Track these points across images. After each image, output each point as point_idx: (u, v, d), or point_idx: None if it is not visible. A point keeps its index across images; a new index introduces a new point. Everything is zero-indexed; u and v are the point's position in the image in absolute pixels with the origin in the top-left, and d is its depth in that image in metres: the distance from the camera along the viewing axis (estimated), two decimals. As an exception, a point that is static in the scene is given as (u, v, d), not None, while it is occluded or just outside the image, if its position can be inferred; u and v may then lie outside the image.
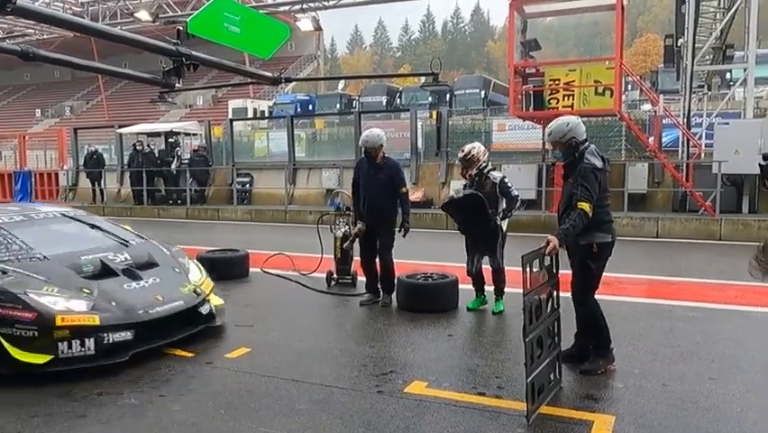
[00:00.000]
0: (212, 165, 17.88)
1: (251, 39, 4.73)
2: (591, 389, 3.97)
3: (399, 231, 6.16)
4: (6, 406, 3.74)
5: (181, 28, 4.22)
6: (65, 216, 5.69)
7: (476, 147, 5.88)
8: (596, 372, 4.21)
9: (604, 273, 4.34)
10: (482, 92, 31.50)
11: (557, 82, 12.01)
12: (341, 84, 43.01)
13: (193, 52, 4.54)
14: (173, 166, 17.58)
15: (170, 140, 18.30)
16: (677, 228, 11.29)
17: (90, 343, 4.16)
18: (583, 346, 4.39)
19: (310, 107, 31.49)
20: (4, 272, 4.35)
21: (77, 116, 43.21)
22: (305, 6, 18.83)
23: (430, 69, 6.31)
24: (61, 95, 47.54)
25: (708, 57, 16.14)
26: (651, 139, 13.65)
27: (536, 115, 12.57)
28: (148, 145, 18.23)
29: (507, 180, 5.80)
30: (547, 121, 12.80)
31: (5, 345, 4.04)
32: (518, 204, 5.92)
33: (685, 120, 12.87)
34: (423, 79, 36.53)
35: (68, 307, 4.22)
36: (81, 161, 20.07)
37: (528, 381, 3.51)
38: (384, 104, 31.21)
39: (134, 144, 18.36)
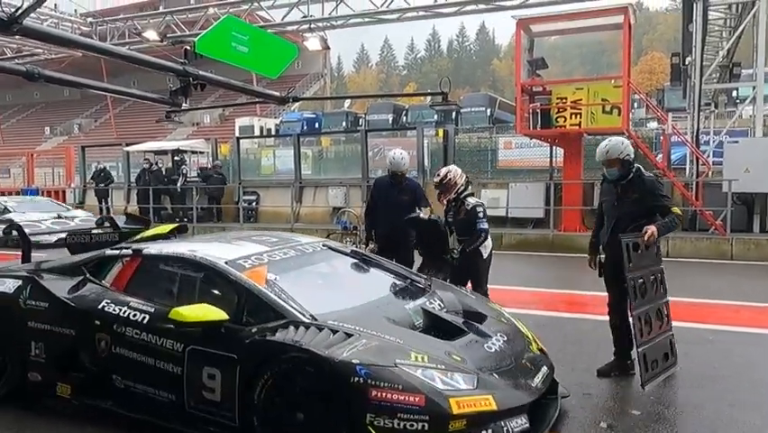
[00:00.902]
0: (227, 183, 17.89)
1: (259, 58, 4.71)
2: (608, 417, 3.86)
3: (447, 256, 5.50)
4: None
5: (189, 47, 4.20)
6: (329, 248, 4.63)
7: (452, 170, 5.56)
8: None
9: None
10: (488, 110, 31.56)
11: (564, 100, 11.99)
12: (347, 102, 43.23)
13: (200, 72, 4.52)
14: (179, 184, 17.60)
15: (176, 158, 18.35)
16: (687, 248, 11.16)
17: None
18: (625, 356, 4.62)
19: (317, 125, 31.58)
20: (349, 334, 3.27)
21: (85, 134, 43.51)
22: (313, 26, 18.95)
23: (439, 88, 6.27)
24: (70, 113, 47.92)
25: (714, 75, 16.12)
26: (659, 157, 13.57)
27: (544, 134, 12.54)
28: (156, 163, 18.27)
29: (480, 209, 5.35)
30: (554, 139, 12.80)
31: None
32: (483, 239, 5.30)
33: (694, 138, 12.78)
34: (429, 98, 36.59)
35: (454, 384, 3.14)
36: (89, 178, 20.14)
37: (639, 351, 4.06)
38: (390, 122, 31.27)
39: (144, 162, 18.43)
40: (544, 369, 3.71)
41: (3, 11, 2.85)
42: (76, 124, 46.21)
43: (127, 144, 20.10)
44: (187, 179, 17.93)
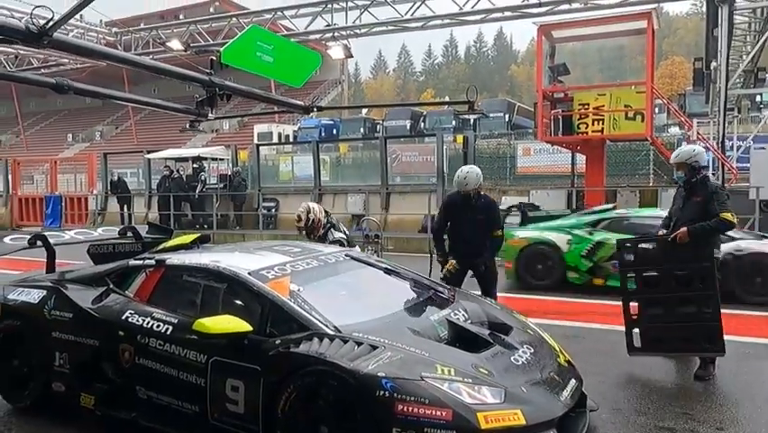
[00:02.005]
0: (248, 190, 17.98)
1: (283, 68, 4.69)
2: (639, 432, 3.75)
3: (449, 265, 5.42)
4: None
5: (214, 58, 4.20)
6: (351, 257, 4.59)
7: (312, 209, 5.45)
8: (708, 377, 4.69)
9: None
10: (507, 116, 31.44)
11: (586, 107, 11.86)
12: (364, 109, 43.32)
13: (226, 82, 4.52)
14: (197, 191, 17.72)
15: (194, 165, 18.49)
16: (713, 256, 10.92)
17: None
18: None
19: (334, 132, 31.68)
20: (374, 346, 3.20)
21: (106, 141, 44.12)
22: (336, 35, 19.00)
23: (466, 97, 6.22)
24: (92, 120, 48.64)
25: (738, 80, 15.87)
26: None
27: (565, 141, 12.40)
28: (177, 170, 18.42)
29: (337, 242, 5.39)
30: (576, 146, 12.66)
31: None
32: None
33: (719, 144, 12.56)
34: (447, 100, 36.30)
35: (481, 398, 3.05)
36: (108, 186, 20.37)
37: (629, 329, 4.93)
38: (408, 128, 31.27)
39: (165, 169, 18.61)
40: (573, 382, 3.62)
41: (33, 24, 2.86)
42: (97, 131, 46.90)
43: (148, 152, 20.29)
44: (206, 186, 18.06)
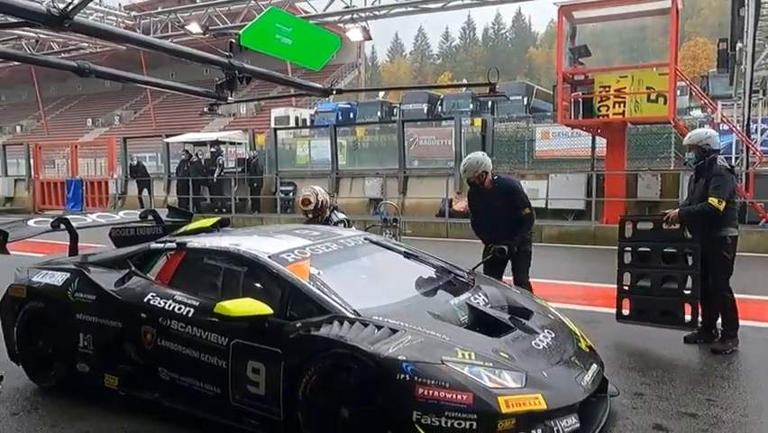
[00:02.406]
0: (264, 174, 18.02)
1: (302, 50, 4.66)
2: (661, 418, 3.72)
3: (490, 250, 5.29)
4: None
5: (234, 40, 4.17)
6: (370, 241, 4.56)
7: (319, 192, 5.39)
8: (726, 351, 4.89)
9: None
10: (525, 99, 31.11)
11: (607, 89, 11.66)
12: (381, 92, 43.08)
13: (245, 65, 4.50)
14: (215, 175, 17.81)
15: (212, 149, 18.58)
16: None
17: None
18: (709, 328, 5.14)
19: (351, 115, 31.58)
20: (395, 330, 3.21)
21: (125, 125, 44.48)
22: (355, 17, 18.87)
23: (487, 78, 6.13)
24: (111, 104, 49.03)
25: (764, 61, 15.50)
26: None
27: (586, 123, 12.22)
28: (196, 155, 18.53)
29: (348, 223, 5.50)
30: (596, 129, 12.49)
31: None
32: None
33: (744, 127, 12.32)
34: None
35: (502, 382, 3.04)
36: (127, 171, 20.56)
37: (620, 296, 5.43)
38: (425, 111, 31.08)
39: (183, 153, 18.71)
40: (594, 367, 3.59)
41: (54, 7, 2.87)
42: (116, 115, 47.29)
43: (167, 136, 20.41)
44: (224, 170, 18.12)
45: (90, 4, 23.86)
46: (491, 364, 3.14)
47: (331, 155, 17.10)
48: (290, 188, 17.41)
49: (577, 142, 14.55)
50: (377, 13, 19.33)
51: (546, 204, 13.20)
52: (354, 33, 18.98)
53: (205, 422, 3.57)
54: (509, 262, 5.41)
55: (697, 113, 22.17)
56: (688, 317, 5.12)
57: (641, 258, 5.40)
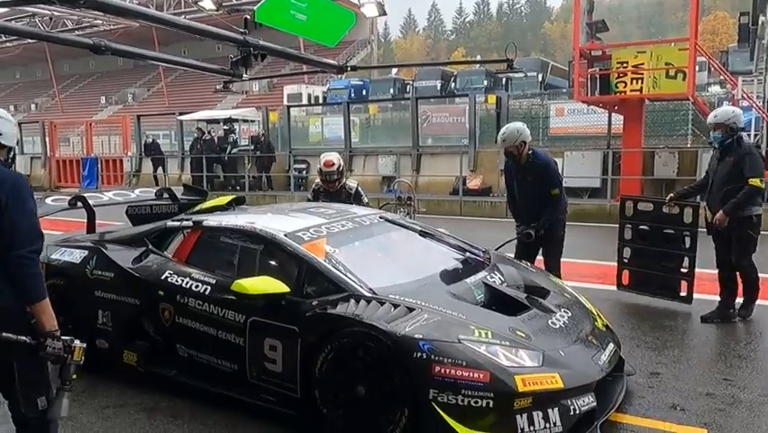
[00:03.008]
0: (274, 152, 18.00)
1: (317, 26, 4.60)
2: (677, 397, 3.71)
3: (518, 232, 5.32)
4: None
5: (248, 17, 4.13)
6: (386, 219, 4.52)
7: (336, 156, 5.56)
8: (750, 315, 5.12)
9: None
10: (540, 75, 30.73)
11: (625, 65, 11.45)
12: (394, 69, 42.68)
13: (260, 42, 4.46)
14: (227, 152, 17.83)
15: (225, 127, 18.58)
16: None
17: (554, 415, 2.95)
18: (727, 307, 5.19)
19: (364, 92, 31.39)
20: (411, 309, 3.20)
21: (139, 103, 44.55)
22: None
23: (504, 55, 6.04)
24: (124, 82, 49.07)
25: (788, 35, 15.11)
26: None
27: (603, 100, 12.04)
28: (209, 132, 18.54)
29: (361, 189, 5.69)
30: (613, 106, 12.31)
31: (449, 421, 2.88)
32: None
33: (766, 104, 12.07)
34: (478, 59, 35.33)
35: (519, 361, 3.04)
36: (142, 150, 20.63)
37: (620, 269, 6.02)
38: (439, 88, 30.82)
39: (196, 131, 18.74)
40: (611, 346, 3.58)
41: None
42: (130, 93, 47.36)
43: (180, 114, 20.43)
44: (239, 148, 18.12)
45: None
46: (508, 343, 3.13)
47: (344, 133, 17.03)
48: (303, 165, 17.39)
49: (592, 119, 14.36)
50: None
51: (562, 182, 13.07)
52: (369, 9, 18.73)
53: (223, 398, 3.61)
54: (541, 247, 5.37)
55: (716, 89, 21.77)
56: (683, 294, 5.55)
57: (640, 236, 5.81)
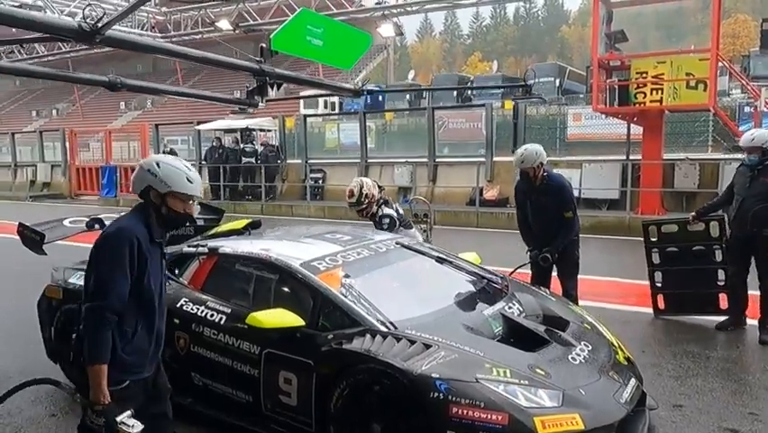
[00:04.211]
0: (280, 162, 17.96)
1: (333, 51, 4.57)
2: (728, 420, 3.61)
3: (530, 256, 5.28)
4: None
5: (264, 45, 4.12)
6: (401, 245, 4.40)
7: (365, 184, 5.18)
8: None
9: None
10: (557, 80, 30.46)
11: (644, 75, 11.30)
12: (410, 74, 42.65)
13: (276, 70, 4.46)
14: (243, 162, 17.90)
15: (238, 136, 18.72)
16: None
17: None
18: (739, 315, 5.45)
19: (380, 98, 31.35)
20: (428, 345, 3.15)
21: (157, 109, 44.94)
22: (386, 13, 18.72)
23: (523, 80, 5.99)
24: (142, 88, 49.53)
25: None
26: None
27: (621, 111, 11.88)
28: (232, 141, 18.68)
29: (386, 220, 5.17)
30: (633, 117, 12.15)
31: None
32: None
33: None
34: (495, 66, 35.32)
35: (538, 401, 2.95)
36: (160, 159, 20.77)
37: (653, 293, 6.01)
38: (455, 94, 30.71)
39: (215, 141, 18.83)
40: (633, 381, 3.49)
41: (86, 22, 2.85)
42: (149, 99, 47.75)
43: (198, 123, 20.56)
44: (258, 156, 18.05)
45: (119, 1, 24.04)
46: (527, 382, 3.07)
47: (360, 142, 17.00)
48: (320, 175, 17.41)
49: (611, 126, 14.16)
50: (408, 9, 19.17)
51: (579, 193, 12.92)
52: (386, 29, 18.82)
53: (238, 428, 3.59)
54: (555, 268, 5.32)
55: (737, 93, 21.46)
56: (723, 306, 5.64)
57: (670, 257, 5.88)
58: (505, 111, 16.68)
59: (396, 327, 3.34)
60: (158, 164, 2.59)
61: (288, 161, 18.44)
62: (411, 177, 15.48)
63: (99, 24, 2.85)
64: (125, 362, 2.49)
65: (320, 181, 17.29)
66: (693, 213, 5.83)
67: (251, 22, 21.16)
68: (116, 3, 24.91)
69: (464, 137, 18.21)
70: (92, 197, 21.34)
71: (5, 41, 8.11)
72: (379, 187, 5.38)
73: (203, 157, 19.20)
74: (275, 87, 4.37)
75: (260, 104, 4.36)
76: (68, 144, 23.03)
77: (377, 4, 18.69)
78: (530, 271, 5.44)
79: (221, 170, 17.67)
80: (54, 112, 50.89)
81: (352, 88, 5.63)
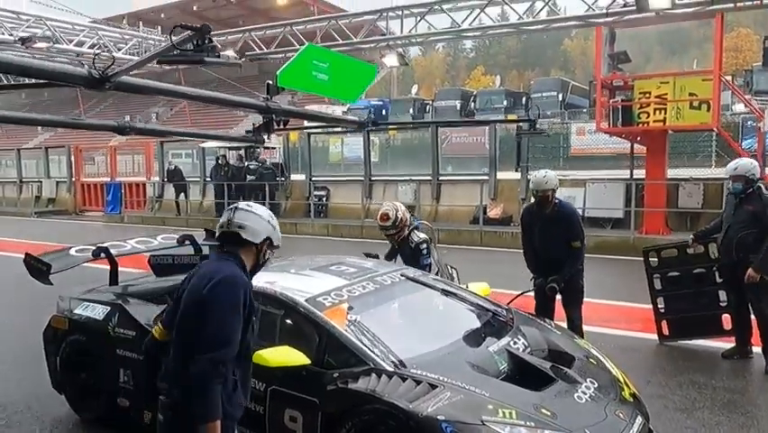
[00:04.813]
0: (278, 178, 17.94)
1: (339, 84, 4.61)
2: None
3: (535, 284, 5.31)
4: None
5: (270, 82, 4.17)
6: (407, 277, 4.37)
7: (399, 208, 5.08)
8: None
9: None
10: (560, 95, 30.59)
11: (648, 95, 11.35)
12: (414, 88, 42.84)
13: (282, 106, 4.50)
14: (246, 179, 17.92)
15: (240, 152, 18.78)
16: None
17: None
18: (744, 344, 5.47)
19: (383, 112, 31.51)
20: (434, 386, 3.14)
21: (162, 123, 45.19)
22: (391, 44, 18.90)
23: (526, 115, 6.01)
24: (147, 102, 49.85)
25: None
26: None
27: (625, 131, 11.91)
28: (231, 157, 18.73)
29: (423, 246, 5.06)
30: (636, 136, 12.18)
31: None
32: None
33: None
34: (498, 81, 35.48)
35: None
36: (164, 177, 20.79)
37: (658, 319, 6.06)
38: (458, 108, 30.88)
39: (218, 158, 18.88)
40: (639, 420, 3.48)
41: (96, 69, 2.91)
42: (153, 112, 48.08)
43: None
44: (263, 171, 18.06)
45: (127, 32, 24.18)
46: (533, 424, 3.06)
47: (363, 159, 17.02)
48: (323, 192, 17.43)
49: (614, 141, 14.15)
50: (413, 40, 19.36)
51: (584, 212, 12.92)
52: (390, 59, 18.96)
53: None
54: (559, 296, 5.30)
55: (740, 107, 21.49)
56: (727, 328, 5.68)
57: (671, 282, 5.97)
58: (508, 126, 16.72)
59: (402, 365, 3.34)
60: (272, 216, 2.71)
61: (291, 178, 18.48)
62: (415, 195, 15.50)
63: (109, 72, 2.91)
64: (232, 417, 2.47)
65: (324, 199, 17.31)
66: (692, 236, 5.92)
67: (257, 51, 21.29)
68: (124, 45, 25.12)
69: (468, 151, 18.21)
70: (97, 213, 21.42)
71: (16, 86, 8.15)
72: (411, 212, 5.32)
73: (208, 174, 19.27)
74: (281, 123, 4.40)
75: (266, 140, 4.39)
76: (73, 159, 23.15)
77: (382, 35, 18.89)
78: (534, 297, 5.44)
79: (225, 188, 17.72)
80: (59, 126, 51.18)
81: (356, 120, 5.68)
